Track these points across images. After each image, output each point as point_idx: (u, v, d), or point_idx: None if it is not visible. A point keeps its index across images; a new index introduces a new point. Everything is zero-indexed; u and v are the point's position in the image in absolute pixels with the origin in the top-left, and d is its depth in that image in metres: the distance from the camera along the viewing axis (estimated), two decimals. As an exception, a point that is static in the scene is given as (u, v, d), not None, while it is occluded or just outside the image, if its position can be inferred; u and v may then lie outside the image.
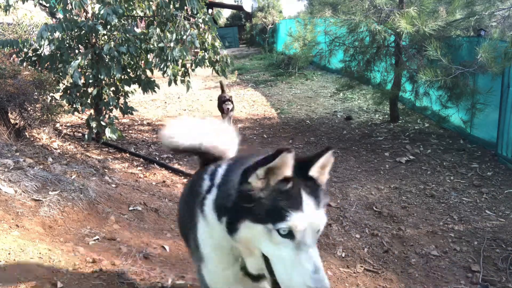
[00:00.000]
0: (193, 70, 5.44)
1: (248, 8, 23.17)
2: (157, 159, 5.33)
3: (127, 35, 4.87)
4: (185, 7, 4.82)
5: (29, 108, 4.79)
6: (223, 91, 6.85)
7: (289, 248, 1.12)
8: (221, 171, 1.39)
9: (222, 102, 6.48)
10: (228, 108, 6.41)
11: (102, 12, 4.23)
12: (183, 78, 5.33)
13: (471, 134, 5.81)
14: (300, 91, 10.51)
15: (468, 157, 5.22)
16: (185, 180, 4.67)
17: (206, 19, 5.09)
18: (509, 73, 4.87)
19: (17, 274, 2.43)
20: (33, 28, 7.48)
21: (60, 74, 4.83)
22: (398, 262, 3.17)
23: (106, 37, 5.12)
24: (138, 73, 5.45)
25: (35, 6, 4.82)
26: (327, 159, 1.22)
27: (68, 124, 6.61)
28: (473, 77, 5.30)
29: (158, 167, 5.03)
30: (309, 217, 1.13)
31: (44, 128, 5.10)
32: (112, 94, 5.28)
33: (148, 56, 5.37)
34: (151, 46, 5.01)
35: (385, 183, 4.61)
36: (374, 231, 3.59)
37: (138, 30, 5.59)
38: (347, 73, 7.21)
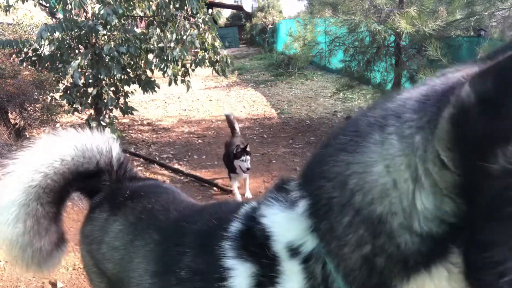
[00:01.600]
0: (193, 70, 5.44)
1: (248, 8, 23.17)
2: (157, 159, 5.33)
3: (127, 35, 4.87)
4: (185, 7, 4.83)
5: (29, 108, 4.79)
6: (233, 132, 4.30)
7: None
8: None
9: (235, 157, 3.83)
10: (248, 168, 3.85)
11: (102, 12, 4.24)
12: (183, 78, 5.34)
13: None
14: (300, 91, 10.51)
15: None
16: (185, 180, 4.66)
17: (206, 19, 5.10)
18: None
19: (17, 274, 2.44)
20: (33, 28, 7.48)
21: (60, 74, 4.84)
22: None
23: (106, 37, 5.13)
24: (138, 73, 5.46)
25: (35, 6, 4.83)
26: None
27: (68, 124, 6.61)
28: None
29: (158, 167, 5.04)
30: None
31: (44, 128, 5.11)
32: (112, 94, 5.29)
33: (148, 56, 5.38)
34: (151, 46, 5.02)
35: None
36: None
37: (138, 30, 5.60)
38: (347, 73, 7.21)
